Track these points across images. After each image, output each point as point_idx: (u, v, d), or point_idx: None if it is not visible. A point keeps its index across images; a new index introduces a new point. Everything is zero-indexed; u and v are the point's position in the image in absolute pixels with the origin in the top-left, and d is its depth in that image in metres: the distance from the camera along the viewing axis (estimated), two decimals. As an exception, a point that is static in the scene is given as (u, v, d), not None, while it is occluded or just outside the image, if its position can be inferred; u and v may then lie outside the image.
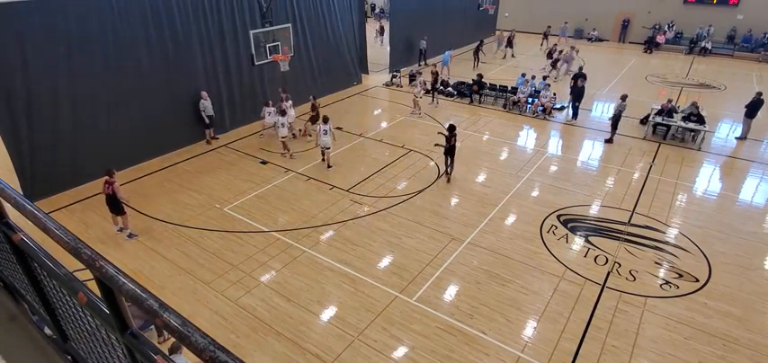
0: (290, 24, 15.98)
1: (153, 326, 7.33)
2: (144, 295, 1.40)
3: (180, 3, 13.70)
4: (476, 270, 9.40)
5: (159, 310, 1.35)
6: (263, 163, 14.06)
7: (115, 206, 9.98)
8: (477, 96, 20.05)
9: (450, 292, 8.81)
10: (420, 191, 12.37)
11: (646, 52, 30.25)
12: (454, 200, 12.07)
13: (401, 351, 7.49)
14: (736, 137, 16.51)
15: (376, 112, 19.29)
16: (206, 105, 14.72)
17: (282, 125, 14.00)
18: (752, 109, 16.30)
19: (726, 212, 11.78)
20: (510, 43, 28.29)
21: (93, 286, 1.78)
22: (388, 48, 24.60)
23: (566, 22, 31.16)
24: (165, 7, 13.33)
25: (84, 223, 10.94)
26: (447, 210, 11.59)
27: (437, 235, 10.47)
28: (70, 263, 1.89)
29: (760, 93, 16.36)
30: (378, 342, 7.65)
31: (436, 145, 13.48)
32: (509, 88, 19.79)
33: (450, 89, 21.04)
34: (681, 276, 9.31)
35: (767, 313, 8.42)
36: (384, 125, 17.55)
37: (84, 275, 1.78)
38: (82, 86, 11.98)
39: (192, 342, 1.25)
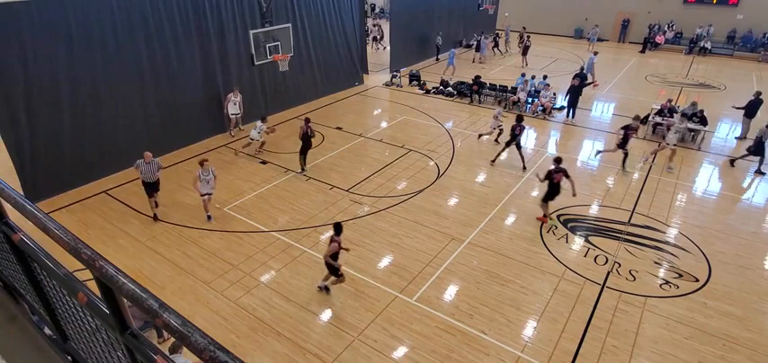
0: (289, 24, 15.99)
1: (153, 327, 7.33)
2: (144, 295, 1.40)
3: (180, 1, 13.70)
4: (476, 269, 9.40)
5: (159, 310, 1.35)
6: (263, 163, 14.06)
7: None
8: (476, 96, 20.05)
9: (451, 292, 8.81)
10: (420, 191, 12.37)
11: (641, 52, 30.22)
12: (454, 200, 12.07)
13: (401, 351, 7.49)
14: (735, 137, 16.52)
15: (376, 112, 19.29)
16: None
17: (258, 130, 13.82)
18: (751, 109, 16.32)
19: (725, 212, 11.78)
20: (520, 42, 28.52)
21: (93, 286, 1.78)
22: (388, 48, 24.58)
23: (596, 26, 31.02)
24: (164, 6, 13.33)
25: (84, 223, 10.94)
26: (447, 210, 11.59)
27: (437, 235, 10.47)
28: (70, 263, 1.89)
29: (759, 93, 16.37)
30: (378, 342, 7.65)
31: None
32: (509, 88, 19.81)
33: (450, 89, 21.04)
34: (681, 276, 9.32)
35: (767, 312, 8.43)
36: (384, 125, 17.55)
37: (85, 275, 1.78)
38: (81, 86, 11.98)
39: (191, 342, 1.25)
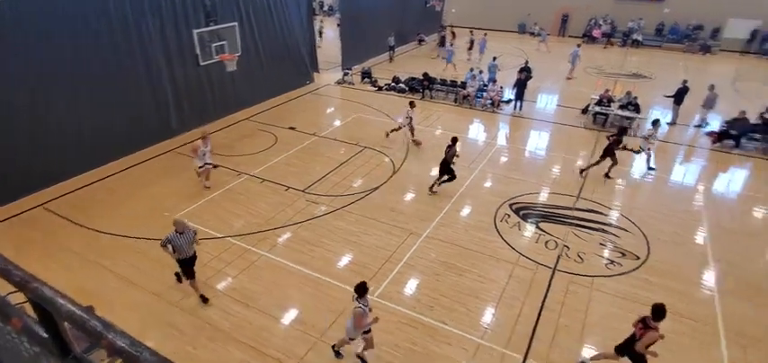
0: (236, 23, 15.54)
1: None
2: (86, 316, 1.31)
3: (117, 1, 12.94)
4: (434, 262, 9.55)
5: (104, 331, 1.27)
6: (214, 166, 13.60)
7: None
8: (427, 91, 20.32)
9: (411, 286, 8.90)
10: (376, 188, 12.40)
11: (580, 45, 31.63)
12: (410, 195, 12.19)
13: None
14: (667, 123, 17.66)
15: (329, 111, 19.15)
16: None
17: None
18: (679, 96, 17.50)
19: (661, 193, 12.60)
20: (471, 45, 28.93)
21: (30, 309, 1.65)
22: (340, 45, 24.42)
23: (535, 24, 32.13)
24: (102, 8, 12.52)
25: (20, 241, 10.14)
26: (404, 206, 11.69)
27: (395, 231, 10.54)
28: (2, 287, 1.74)
29: (685, 81, 17.59)
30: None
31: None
32: (459, 83, 20.23)
33: (401, 85, 21.20)
34: (624, 255, 9.88)
35: (703, 284, 9.09)
36: (338, 123, 17.45)
37: (20, 298, 1.64)
38: (17, 91, 11.07)
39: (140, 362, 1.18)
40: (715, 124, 16.79)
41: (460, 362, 7.30)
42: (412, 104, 15.01)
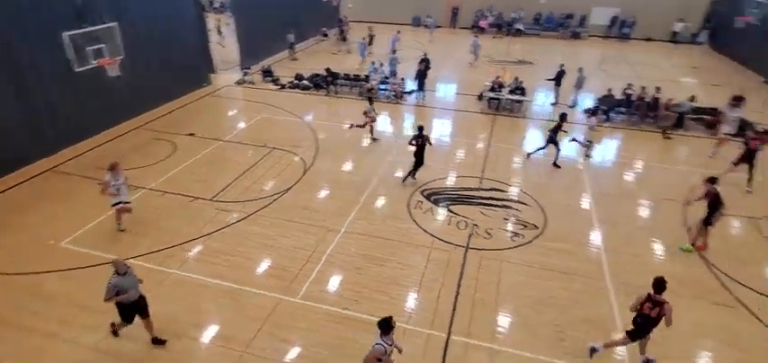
0: (115, 23, 14.13)
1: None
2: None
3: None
4: (355, 256, 9.66)
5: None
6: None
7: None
8: (331, 87, 20.30)
9: (334, 282, 8.92)
10: (289, 188, 12.17)
11: (477, 35, 33.77)
12: (324, 192, 12.15)
13: (293, 352, 7.38)
14: (550, 104, 19.58)
15: (231, 113, 18.29)
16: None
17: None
18: (558, 78, 19.47)
19: (548, 165, 13.93)
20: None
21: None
22: (237, 45, 23.36)
23: (429, 16, 33.09)
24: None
25: None
26: (319, 203, 11.64)
27: (313, 229, 10.46)
28: None
29: (562, 65, 19.60)
30: (267, 349, 7.41)
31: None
32: (362, 77, 20.50)
33: (305, 82, 20.91)
34: (525, 226, 10.83)
35: (591, 244, 10.30)
36: (242, 125, 16.74)
37: None
38: None
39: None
40: (588, 102, 18.95)
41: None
42: (371, 100, 15.28)
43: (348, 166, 13.63)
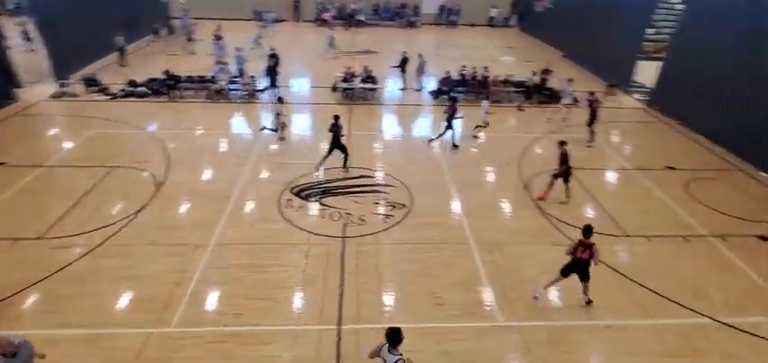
0: None
1: None
2: None
3: None
4: (231, 267, 9.13)
5: None
6: None
7: None
8: (174, 91, 18.57)
9: (212, 301, 8.32)
10: (141, 209, 10.89)
11: (333, 28, 33.78)
12: (185, 207, 11.18)
13: (177, 386, 6.74)
14: (399, 89, 20.82)
15: (52, 133, 15.49)
16: None
17: None
18: (403, 65, 20.79)
19: (409, 147, 14.92)
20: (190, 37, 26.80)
21: None
22: (45, 53, 19.71)
23: (270, 12, 31.61)
24: None
25: None
26: (180, 219, 10.68)
27: (177, 249, 9.56)
28: None
29: (405, 52, 20.96)
30: (145, 391, 6.64)
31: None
32: (208, 77, 19.16)
33: (142, 88, 18.68)
34: (394, 207, 11.45)
35: (453, 213, 11.35)
36: (69, 145, 14.29)
37: None
38: None
39: None
40: (431, 85, 20.63)
41: (282, 355, 7.34)
42: (280, 100, 15.02)
43: (207, 175, 12.72)
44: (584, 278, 8.19)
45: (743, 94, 14.27)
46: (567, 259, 8.19)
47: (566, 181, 11.76)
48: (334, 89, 19.77)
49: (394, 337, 5.67)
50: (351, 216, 11.00)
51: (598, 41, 23.36)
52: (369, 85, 19.53)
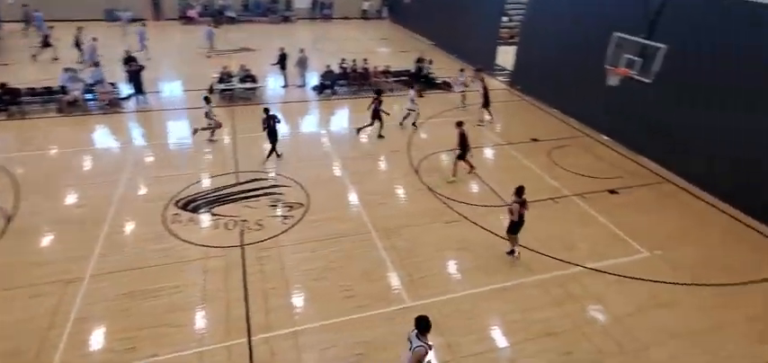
0: None
1: None
2: None
3: None
4: (115, 299, 8.16)
5: None
6: None
7: None
8: (13, 107, 15.83)
9: (97, 339, 7.38)
10: (-12, 250, 9.18)
11: (210, 24, 31.26)
12: (47, 239, 9.68)
13: None
14: (281, 87, 20.30)
15: None
16: None
17: None
18: (282, 62, 20.24)
19: (298, 145, 14.70)
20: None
21: None
22: None
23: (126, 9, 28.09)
24: None
25: None
26: (45, 254, 9.24)
27: (47, 288, 8.26)
28: None
29: (283, 48, 20.43)
30: None
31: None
32: (55, 88, 16.66)
33: (-34, 107, 15.58)
34: (292, 207, 11.22)
35: (350, 205, 11.48)
36: None
37: None
38: None
39: None
40: (314, 80, 20.48)
41: (190, 380, 6.83)
42: (207, 99, 14.44)
43: (72, 198, 11.14)
44: (518, 230, 9.40)
45: (581, 72, 16.58)
46: (508, 219, 9.48)
47: (461, 157, 12.66)
48: (211, 91, 18.57)
49: (422, 323, 5.90)
50: (247, 222, 10.52)
51: (462, 30, 25.29)
52: (248, 85, 18.74)
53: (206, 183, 12.08)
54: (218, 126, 14.48)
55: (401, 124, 16.25)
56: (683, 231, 10.93)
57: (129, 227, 10.18)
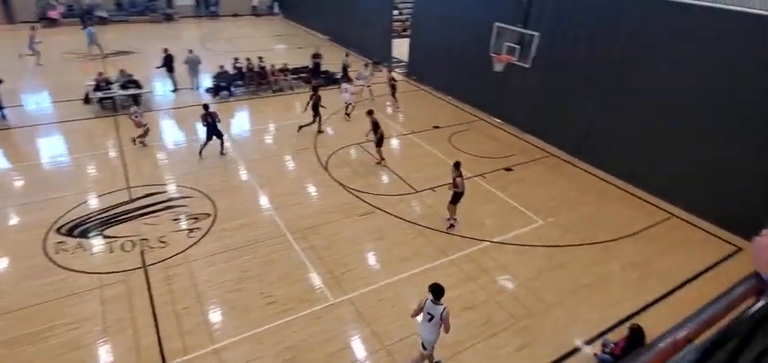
0: None
1: None
2: None
3: None
4: (-8, 349, 7.04)
5: None
6: None
7: None
8: None
9: (-27, 400, 6.32)
10: None
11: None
12: None
13: None
14: (170, 91, 18.82)
15: None
16: None
17: None
18: (168, 64, 18.72)
19: (195, 152, 13.76)
20: None
21: None
22: None
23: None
24: None
25: None
26: None
27: None
28: None
29: (167, 49, 18.91)
30: None
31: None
32: None
33: None
34: (197, 219, 10.54)
35: (262, 209, 11.08)
36: None
37: None
38: None
39: None
40: (207, 82, 19.28)
41: (99, 424, 6.15)
42: (135, 100, 14.99)
43: None
44: (459, 200, 10.22)
45: (470, 61, 17.69)
46: (452, 193, 10.17)
47: (380, 144, 13.04)
48: (88, 100, 16.67)
49: (438, 290, 6.36)
50: (147, 241, 9.67)
51: (357, 25, 25.55)
52: (132, 91, 17.08)
53: (93, 203, 10.85)
54: (146, 131, 13.79)
55: (347, 115, 16.70)
56: (568, 198, 12.25)
57: (2, 265, 8.80)
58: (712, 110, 10.83)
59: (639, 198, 12.36)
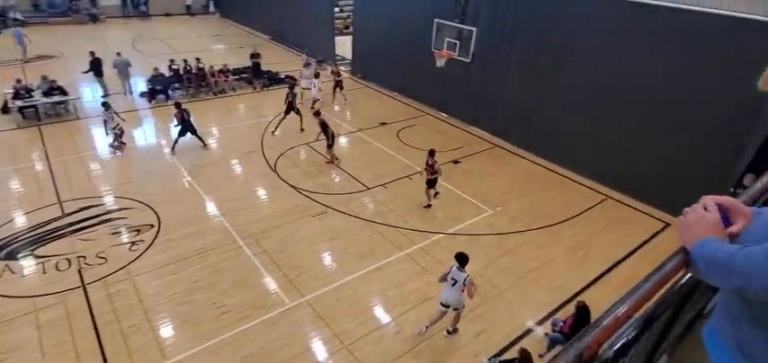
0: None
1: None
2: None
3: None
4: None
5: None
6: None
7: None
8: None
9: None
10: None
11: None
12: None
13: None
14: (101, 97, 17.57)
15: None
16: None
17: None
18: (96, 68, 17.46)
19: (135, 160, 13.07)
20: None
21: None
22: None
23: None
24: None
25: None
26: None
27: None
28: None
29: (93, 52, 17.69)
30: None
31: None
32: None
33: None
34: (139, 231, 9.99)
35: (210, 216, 10.67)
36: None
37: None
38: None
39: None
40: (141, 86, 18.24)
41: None
42: (106, 104, 13.50)
43: None
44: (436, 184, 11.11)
45: (413, 57, 17.93)
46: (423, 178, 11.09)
47: (330, 145, 13.03)
48: (6, 110, 15.30)
49: (463, 259, 7.21)
50: (84, 258, 9.05)
51: (298, 23, 25.16)
52: (57, 98, 15.84)
53: (20, 222, 9.99)
54: (121, 134, 13.51)
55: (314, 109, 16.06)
56: (514, 187, 12.78)
57: None
58: (646, 100, 11.50)
59: (579, 183, 13.11)
